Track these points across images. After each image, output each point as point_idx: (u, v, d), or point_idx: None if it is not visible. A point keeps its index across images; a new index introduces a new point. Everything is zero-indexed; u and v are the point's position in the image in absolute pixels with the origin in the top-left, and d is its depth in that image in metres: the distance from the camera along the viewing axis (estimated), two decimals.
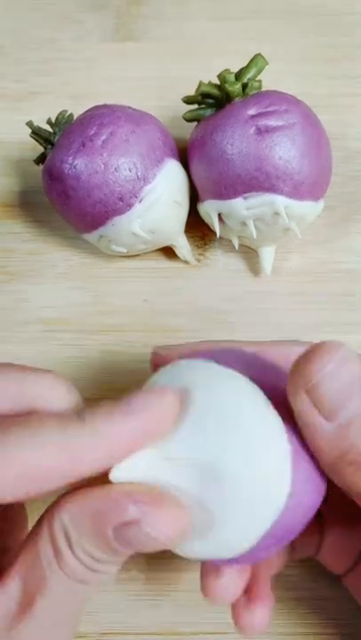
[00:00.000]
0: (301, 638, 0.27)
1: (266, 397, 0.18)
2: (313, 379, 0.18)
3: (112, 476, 0.18)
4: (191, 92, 0.31)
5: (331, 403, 0.18)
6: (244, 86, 0.30)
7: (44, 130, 0.31)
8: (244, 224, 0.30)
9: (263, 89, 0.31)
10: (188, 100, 0.31)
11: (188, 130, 0.32)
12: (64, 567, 0.18)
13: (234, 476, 0.17)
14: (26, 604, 0.18)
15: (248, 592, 0.22)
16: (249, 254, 0.33)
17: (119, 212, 0.29)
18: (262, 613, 0.22)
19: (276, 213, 0.29)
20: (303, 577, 0.28)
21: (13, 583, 0.18)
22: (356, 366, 0.18)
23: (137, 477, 0.18)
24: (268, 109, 0.29)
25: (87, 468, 0.17)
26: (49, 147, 0.31)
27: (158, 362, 0.22)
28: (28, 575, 0.18)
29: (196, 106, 0.31)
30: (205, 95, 0.31)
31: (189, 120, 0.31)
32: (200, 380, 0.18)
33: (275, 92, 0.30)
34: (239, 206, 0.29)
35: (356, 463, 0.18)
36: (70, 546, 0.18)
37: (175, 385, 0.18)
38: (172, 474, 0.18)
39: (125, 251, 0.31)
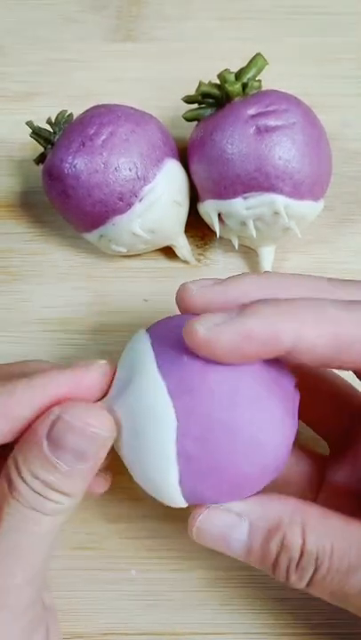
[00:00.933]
0: (303, 639, 0.27)
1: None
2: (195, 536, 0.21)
3: None
4: (191, 91, 0.31)
5: (222, 546, 0.21)
6: (244, 86, 0.30)
7: (44, 129, 0.31)
8: (244, 224, 0.30)
9: (263, 89, 0.31)
10: (188, 100, 0.31)
11: (188, 130, 0.32)
12: (15, 493, 0.20)
13: (131, 411, 0.20)
14: None
15: None
16: (249, 254, 0.33)
17: (119, 211, 0.29)
18: None
19: (276, 213, 0.29)
20: None
21: None
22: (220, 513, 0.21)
23: None
24: (268, 109, 0.29)
25: (27, 410, 0.21)
26: (49, 146, 0.31)
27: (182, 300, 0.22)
28: None
29: (196, 105, 0.31)
30: (205, 95, 0.31)
31: (189, 120, 0.31)
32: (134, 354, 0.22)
33: (275, 91, 0.30)
34: (239, 206, 0.29)
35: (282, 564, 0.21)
36: (19, 472, 0.20)
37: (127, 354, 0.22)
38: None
39: (126, 250, 0.31)
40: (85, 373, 0.21)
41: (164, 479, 0.20)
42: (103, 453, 0.21)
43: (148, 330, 0.22)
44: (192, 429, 0.19)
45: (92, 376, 0.21)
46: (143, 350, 0.21)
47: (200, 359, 0.20)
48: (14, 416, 0.20)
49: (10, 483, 0.20)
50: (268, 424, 0.20)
